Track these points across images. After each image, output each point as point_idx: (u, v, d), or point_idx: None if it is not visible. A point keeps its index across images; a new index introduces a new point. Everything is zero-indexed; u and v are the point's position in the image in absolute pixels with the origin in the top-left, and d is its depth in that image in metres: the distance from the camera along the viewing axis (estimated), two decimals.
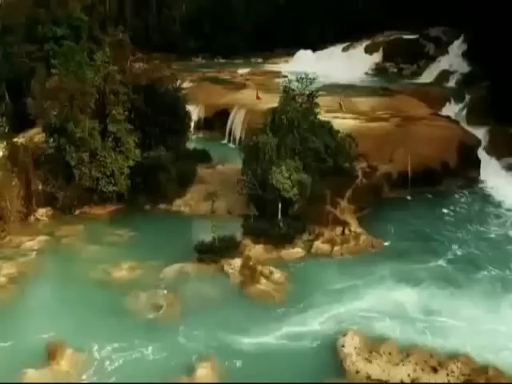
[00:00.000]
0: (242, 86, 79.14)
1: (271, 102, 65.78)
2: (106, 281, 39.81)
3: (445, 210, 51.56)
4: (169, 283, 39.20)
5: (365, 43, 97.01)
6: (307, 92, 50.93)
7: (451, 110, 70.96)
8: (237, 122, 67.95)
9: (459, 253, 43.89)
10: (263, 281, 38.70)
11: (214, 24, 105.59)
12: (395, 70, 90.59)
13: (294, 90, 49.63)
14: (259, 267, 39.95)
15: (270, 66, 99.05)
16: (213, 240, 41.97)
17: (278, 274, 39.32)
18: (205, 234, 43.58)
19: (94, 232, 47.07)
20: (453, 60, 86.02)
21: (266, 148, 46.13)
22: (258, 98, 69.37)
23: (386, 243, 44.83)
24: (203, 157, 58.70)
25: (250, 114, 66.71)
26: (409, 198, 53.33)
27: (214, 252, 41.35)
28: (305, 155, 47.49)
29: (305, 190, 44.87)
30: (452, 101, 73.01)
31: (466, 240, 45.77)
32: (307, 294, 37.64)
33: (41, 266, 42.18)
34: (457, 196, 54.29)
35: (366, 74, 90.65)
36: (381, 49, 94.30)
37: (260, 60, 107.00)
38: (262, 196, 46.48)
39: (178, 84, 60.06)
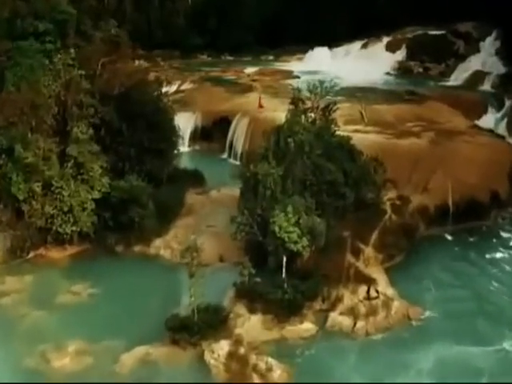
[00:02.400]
0: (248, 89, 66.06)
1: (279, 109, 53.42)
2: (42, 373, 27.52)
3: (497, 256, 38.52)
4: (125, 380, 26.51)
5: (386, 40, 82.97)
6: (322, 100, 38.34)
7: (490, 119, 57.35)
8: (239, 133, 55.05)
9: None
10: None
11: (221, 18, 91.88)
12: (420, 69, 76.65)
13: (304, 102, 36.62)
14: (253, 358, 27.22)
15: (281, 65, 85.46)
16: (191, 313, 29.18)
17: (278, 371, 26.54)
18: (185, 295, 31.03)
19: (44, 287, 34.73)
20: (486, 59, 72.17)
21: (268, 181, 33.23)
22: (260, 106, 56.37)
23: (426, 312, 31.71)
24: (195, 179, 45.90)
25: (255, 124, 53.91)
26: (449, 237, 40.15)
27: (191, 331, 28.60)
28: (318, 189, 34.66)
29: (318, 239, 31.95)
30: (490, 108, 59.30)
31: None
32: None
33: None
34: (509, 235, 40.83)
35: (388, 74, 76.90)
36: (404, 46, 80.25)
37: (271, 57, 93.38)
38: (263, 243, 33.73)
39: (163, 90, 47.26)
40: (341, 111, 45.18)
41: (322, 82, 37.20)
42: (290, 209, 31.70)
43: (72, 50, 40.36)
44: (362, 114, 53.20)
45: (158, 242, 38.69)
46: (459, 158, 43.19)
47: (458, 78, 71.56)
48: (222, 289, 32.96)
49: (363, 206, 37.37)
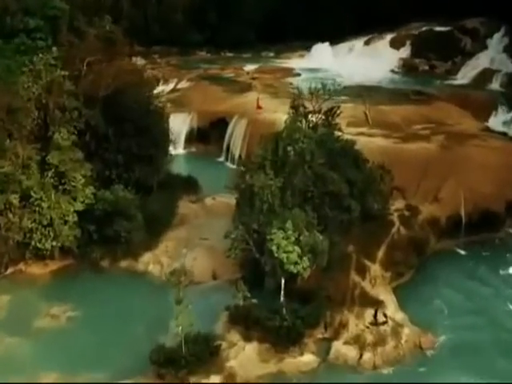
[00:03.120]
0: (247, 88, 62.28)
1: (279, 110, 49.95)
2: None
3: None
4: None
5: (389, 36, 79.01)
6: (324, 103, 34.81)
7: (500, 120, 53.69)
8: (236, 135, 51.50)
9: None
10: None
11: (221, 13, 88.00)
12: (426, 67, 72.71)
13: (305, 107, 33.11)
14: None
15: (282, 62, 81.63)
16: (178, 344, 25.77)
17: None
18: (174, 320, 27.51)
19: (21, 308, 31.33)
20: (494, 56, 68.31)
21: (265, 193, 29.73)
22: (258, 107, 52.79)
23: (439, 339, 28.26)
24: (188, 186, 42.31)
25: (253, 125, 50.49)
26: (462, 252, 36.69)
27: (178, 365, 25.19)
28: (320, 201, 31.18)
29: (320, 259, 28.50)
30: (499, 108, 55.55)
31: None
32: None
33: None
34: None
35: (392, 71, 73.06)
36: (408, 43, 76.28)
37: (271, 54, 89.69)
38: (260, 260, 30.36)
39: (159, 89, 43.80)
40: (344, 112, 41.92)
41: (324, 84, 33.65)
42: (289, 225, 28.28)
43: (54, 49, 36.82)
44: (366, 115, 49.63)
45: (146, 256, 35.31)
46: (472, 164, 39.67)
47: (465, 76, 67.82)
48: (214, 312, 29.61)
49: (369, 218, 33.93)
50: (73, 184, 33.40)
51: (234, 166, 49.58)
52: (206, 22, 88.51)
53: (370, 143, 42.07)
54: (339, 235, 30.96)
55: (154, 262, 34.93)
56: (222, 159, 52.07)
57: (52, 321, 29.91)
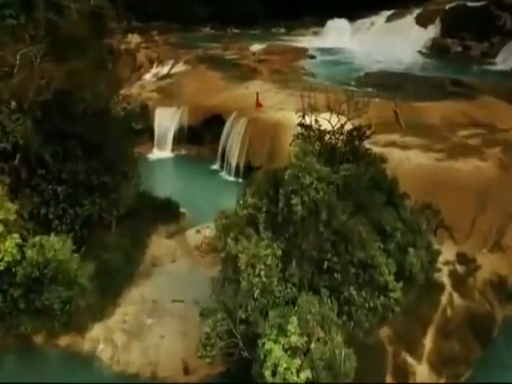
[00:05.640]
0: (251, 73, 50.17)
1: (287, 106, 38.16)
2: None
3: None
4: None
5: (415, 11, 66.01)
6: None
7: None
8: (234, 138, 39.50)
9: None
10: None
11: None
12: (459, 48, 59.67)
13: (320, 129, 21.12)
14: None
15: (294, 40, 69.17)
16: None
17: None
18: None
19: None
20: None
21: (256, 269, 18.06)
22: (258, 104, 40.64)
23: None
24: (166, 213, 30.71)
25: (254, 126, 38.77)
26: None
27: None
28: (343, 276, 19.29)
29: (344, 378, 16.90)
30: None
31: None
32: None
33: None
34: None
35: (420, 53, 60.27)
36: (438, 20, 63.03)
37: (282, 30, 77.67)
38: (251, 360, 18.94)
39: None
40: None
41: (350, 95, 21.57)
42: (292, 326, 16.78)
43: None
44: (397, 114, 37.38)
45: (96, 330, 23.86)
46: None
47: (506, 60, 54.84)
48: None
49: (408, 281, 22.15)
50: None
51: (232, 178, 38.13)
52: None
53: (406, 160, 30.23)
54: (370, 330, 19.27)
55: (104, 339, 23.46)
56: (216, 167, 40.21)
57: None
